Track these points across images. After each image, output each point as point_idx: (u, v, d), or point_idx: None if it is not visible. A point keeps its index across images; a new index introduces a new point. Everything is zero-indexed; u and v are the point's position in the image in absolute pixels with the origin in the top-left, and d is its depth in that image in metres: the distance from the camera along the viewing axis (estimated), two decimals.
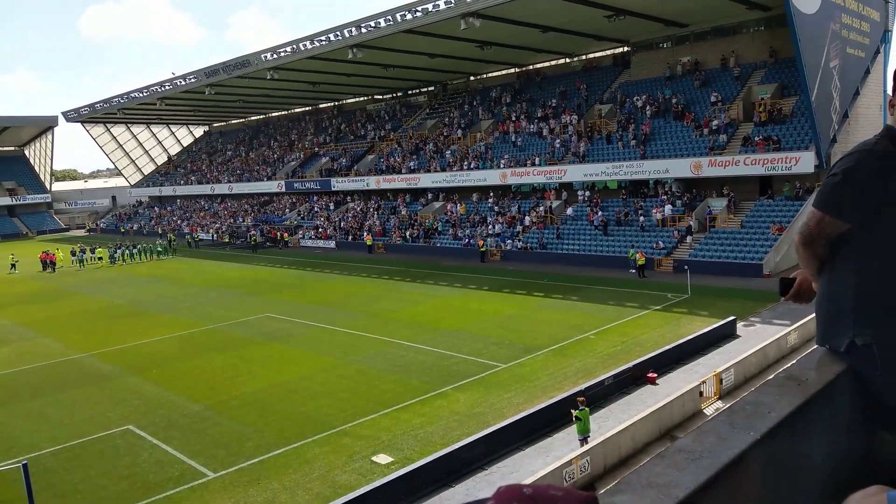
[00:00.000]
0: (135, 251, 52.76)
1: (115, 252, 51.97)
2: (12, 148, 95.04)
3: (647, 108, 42.37)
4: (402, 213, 52.51)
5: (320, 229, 55.97)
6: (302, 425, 16.33)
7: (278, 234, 57.75)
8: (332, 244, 53.07)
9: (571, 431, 14.39)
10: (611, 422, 15.12)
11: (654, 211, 37.51)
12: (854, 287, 1.88)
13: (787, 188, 34.22)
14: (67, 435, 16.62)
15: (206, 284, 39.05)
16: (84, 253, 51.02)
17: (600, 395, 16.37)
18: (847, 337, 1.89)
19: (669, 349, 19.13)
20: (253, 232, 58.17)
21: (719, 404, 16.02)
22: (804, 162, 32.25)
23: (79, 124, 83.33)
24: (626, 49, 48.44)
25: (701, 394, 15.91)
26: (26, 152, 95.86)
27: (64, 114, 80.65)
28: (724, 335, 21.24)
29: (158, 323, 29.14)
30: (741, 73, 40.23)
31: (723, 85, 40.64)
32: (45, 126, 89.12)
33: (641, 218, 37.45)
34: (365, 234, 50.69)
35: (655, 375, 17.79)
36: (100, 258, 51.48)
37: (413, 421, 16.17)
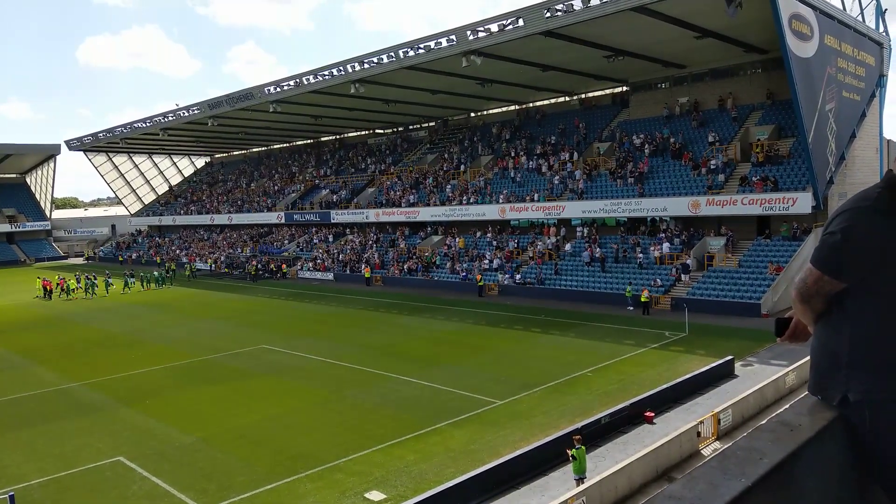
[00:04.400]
0: (131, 280, 52.57)
1: (99, 281, 51.29)
2: (14, 175, 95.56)
3: (646, 146, 42.82)
4: (401, 246, 52.60)
5: (318, 261, 55.98)
6: (294, 460, 16.09)
7: (275, 265, 57.80)
8: (331, 276, 53.03)
9: (567, 471, 14.19)
10: (607, 461, 14.92)
11: (652, 248, 37.61)
12: (849, 343, 1.87)
13: (784, 228, 34.39)
14: (57, 466, 16.34)
15: (203, 315, 38.88)
16: (79, 281, 50.73)
17: (597, 434, 16.18)
18: (840, 391, 1.88)
19: (667, 388, 18.98)
20: (253, 262, 58.25)
21: (717, 445, 15.83)
22: (801, 202, 32.48)
23: (81, 153, 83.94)
24: (624, 88, 49.18)
25: (699, 434, 15.72)
26: (27, 180, 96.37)
27: (67, 142, 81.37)
28: (722, 375, 21.10)
29: (153, 353, 28.91)
30: (739, 115, 40.78)
31: (720, 125, 41.17)
32: (47, 154, 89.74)
33: (640, 255, 37.53)
34: (363, 266, 50.69)
35: (653, 414, 17.61)
36: (73, 289, 49.58)
37: (407, 457, 15.94)
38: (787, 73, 30.64)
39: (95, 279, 51.39)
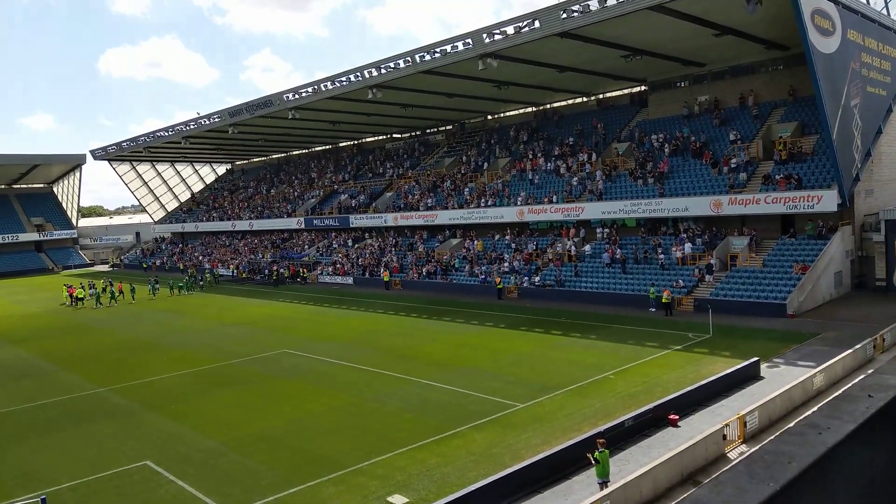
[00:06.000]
0: (156, 287, 53.31)
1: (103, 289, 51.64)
2: (41, 185, 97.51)
3: (666, 146, 42.45)
4: (420, 249, 52.68)
5: (338, 265, 56.26)
6: (316, 463, 16.16)
7: (297, 269, 58.26)
8: (350, 280, 53.27)
9: (591, 474, 14.07)
10: (631, 465, 14.77)
11: (673, 249, 37.25)
12: None
13: (809, 227, 33.86)
14: (85, 469, 16.59)
15: (225, 320, 39.25)
16: (93, 288, 51.35)
17: (620, 437, 16.03)
18: None
19: (691, 390, 18.74)
20: (275, 267, 58.83)
21: (743, 448, 15.60)
22: (826, 200, 31.95)
23: (105, 162, 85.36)
24: (643, 88, 48.84)
25: (724, 437, 15.51)
26: (54, 189, 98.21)
27: (92, 152, 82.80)
28: (748, 377, 20.78)
29: (177, 358, 29.26)
30: (760, 112, 40.27)
31: (742, 123, 40.68)
32: (73, 164, 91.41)
33: (661, 256, 37.18)
34: (382, 270, 50.83)
35: (677, 417, 17.40)
36: (80, 297, 49.40)
37: (429, 461, 15.93)
38: (809, 69, 30.21)
39: (93, 287, 51.75)
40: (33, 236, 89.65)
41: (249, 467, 16.26)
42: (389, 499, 14.03)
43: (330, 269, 56.73)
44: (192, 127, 63.45)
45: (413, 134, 68.69)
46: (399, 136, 70.44)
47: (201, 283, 58.64)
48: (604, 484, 13.36)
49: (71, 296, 50.29)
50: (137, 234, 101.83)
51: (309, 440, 17.98)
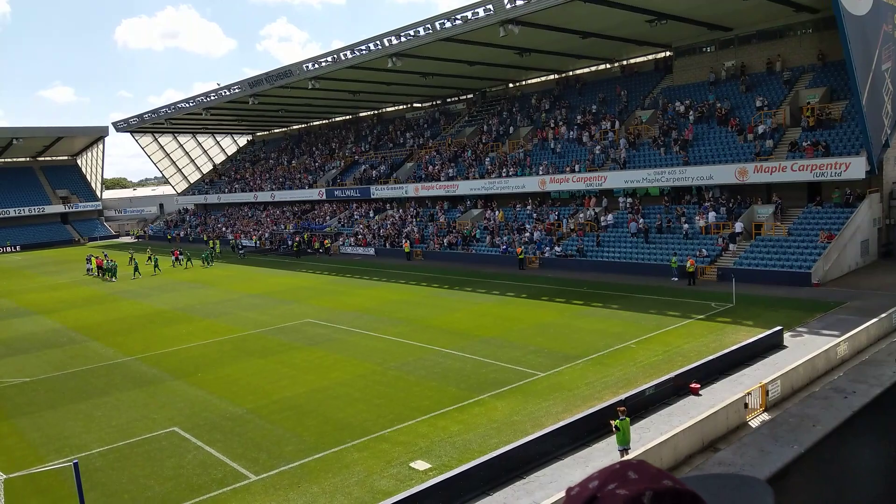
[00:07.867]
0: (181, 259, 54.08)
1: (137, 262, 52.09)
2: (65, 158, 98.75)
3: (690, 113, 41.67)
4: (441, 220, 52.66)
5: (360, 236, 56.53)
6: (341, 430, 16.47)
7: (318, 240, 58.70)
8: (372, 251, 53.55)
9: (611, 442, 14.18)
10: (652, 433, 14.84)
11: (697, 218, 36.81)
12: None
13: (836, 195, 33.22)
14: (115, 436, 17.09)
15: (250, 290, 39.78)
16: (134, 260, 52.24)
17: (641, 406, 16.09)
18: None
19: (713, 359, 18.69)
20: (296, 238, 59.35)
21: (765, 416, 15.58)
22: (854, 168, 31.25)
23: (128, 134, 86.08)
24: (668, 54, 47.81)
25: (746, 405, 15.49)
26: (78, 161, 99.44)
27: (114, 124, 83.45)
28: (771, 345, 20.66)
29: (202, 328, 29.80)
30: (789, 77, 39.25)
31: (769, 89, 39.73)
32: (96, 136, 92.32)
33: (685, 225, 36.78)
34: (403, 241, 50.98)
35: (699, 386, 17.41)
36: (107, 269, 49.34)
37: (451, 428, 16.15)
38: (839, 32, 29.31)
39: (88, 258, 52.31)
40: (59, 208, 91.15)
41: (275, 434, 16.62)
42: (412, 464, 14.28)
43: (352, 239, 57.03)
44: (212, 98, 63.58)
45: (434, 103, 68.16)
46: (419, 105, 69.96)
47: (241, 251, 60.04)
48: (624, 451, 13.47)
49: (100, 267, 51.18)
50: (161, 206, 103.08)
51: (333, 407, 18.30)
